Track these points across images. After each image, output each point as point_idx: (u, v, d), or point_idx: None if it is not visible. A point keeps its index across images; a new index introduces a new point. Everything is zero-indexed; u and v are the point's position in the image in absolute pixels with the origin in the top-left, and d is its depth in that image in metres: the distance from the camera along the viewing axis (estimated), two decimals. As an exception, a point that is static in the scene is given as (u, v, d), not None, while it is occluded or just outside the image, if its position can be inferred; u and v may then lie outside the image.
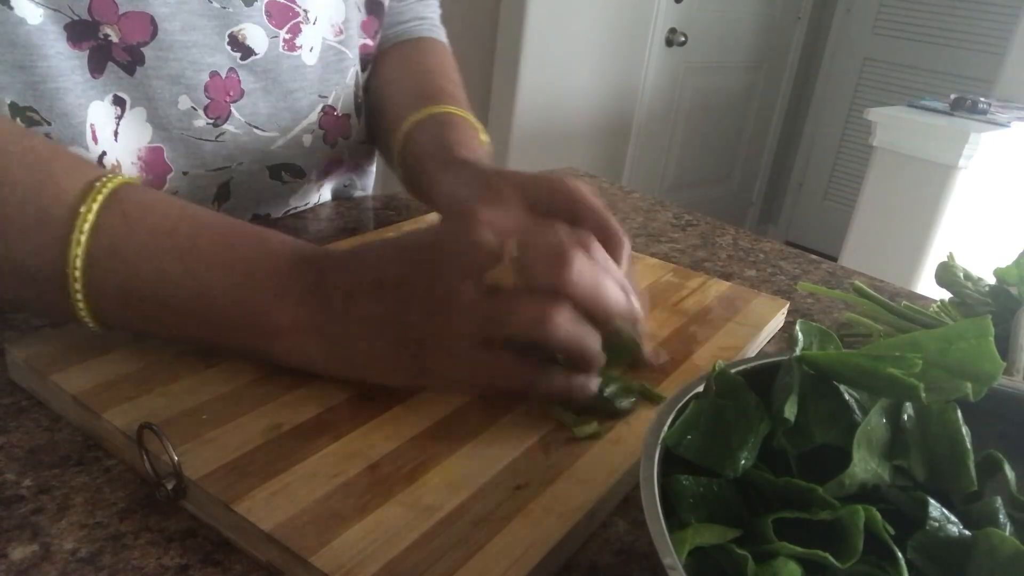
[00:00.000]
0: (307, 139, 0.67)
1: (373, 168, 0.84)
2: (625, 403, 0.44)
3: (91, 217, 0.39)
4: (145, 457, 0.36)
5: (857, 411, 0.33)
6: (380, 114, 0.73)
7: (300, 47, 0.62)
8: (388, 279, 0.40)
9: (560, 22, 2.36)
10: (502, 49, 2.35)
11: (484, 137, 0.65)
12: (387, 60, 0.75)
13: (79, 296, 0.39)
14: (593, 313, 0.39)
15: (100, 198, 0.39)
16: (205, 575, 0.33)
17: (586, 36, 2.46)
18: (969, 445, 0.32)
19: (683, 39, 2.80)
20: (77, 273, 0.39)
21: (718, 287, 0.63)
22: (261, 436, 0.39)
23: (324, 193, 0.78)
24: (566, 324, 0.38)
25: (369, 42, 0.72)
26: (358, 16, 0.69)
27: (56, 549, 0.33)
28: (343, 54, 0.67)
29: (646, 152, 2.93)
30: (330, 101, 0.67)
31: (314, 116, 0.66)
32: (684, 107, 3.02)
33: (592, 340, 0.40)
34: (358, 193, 0.84)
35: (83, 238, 0.39)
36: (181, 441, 0.37)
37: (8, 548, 0.33)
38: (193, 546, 0.34)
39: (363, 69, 0.73)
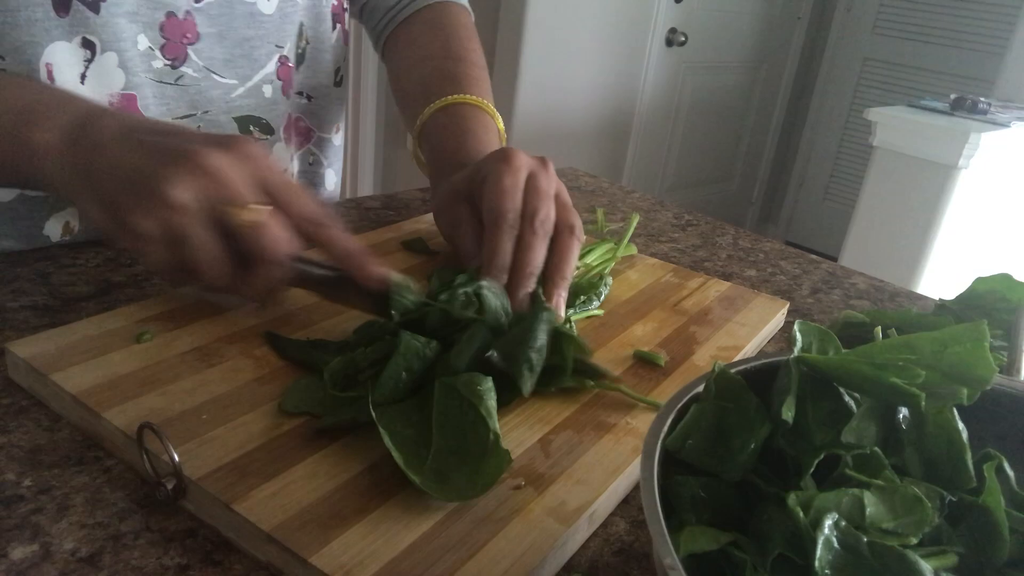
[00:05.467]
0: (267, 89, 0.69)
1: (336, 140, 0.85)
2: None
3: None
4: (145, 457, 0.36)
5: (856, 412, 0.33)
6: (398, 98, 0.76)
7: None
8: (147, 139, 0.43)
9: (560, 22, 2.35)
10: (502, 49, 2.35)
11: (489, 111, 0.68)
12: (405, 33, 0.77)
13: None
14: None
15: None
16: (205, 575, 0.33)
17: (586, 36, 2.46)
18: (966, 442, 0.32)
19: (683, 39, 2.80)
20: None
21: (718, 287, 0.63)
22: (261, 436, 0.39)
23: (294, 164, 0.79)
24: (274, 234, 0.44)
25: (335, 1, 0.74)
26: None
27: (56, 549, 0.33)
28: (296, 4, 0.69)
29: (646, 152, 2.93)
30: (285, 51, 0.69)
31: (272, 66, 0.68)
32: (684, 107, 3.02)
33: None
34: (328, 173, 0.84)
35: None
36: (181, 441, 0.37)
37: (8, 548, 0.33)
38: (193, 546, 0.34)
39: (332, 27, 0.75)
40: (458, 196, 0.57)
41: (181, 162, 0.42)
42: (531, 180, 0.53)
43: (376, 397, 0.39)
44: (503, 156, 0.53)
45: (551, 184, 0.54)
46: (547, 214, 0.52)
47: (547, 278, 0.52)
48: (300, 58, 0.73)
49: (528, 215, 0.51)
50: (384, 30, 0.80)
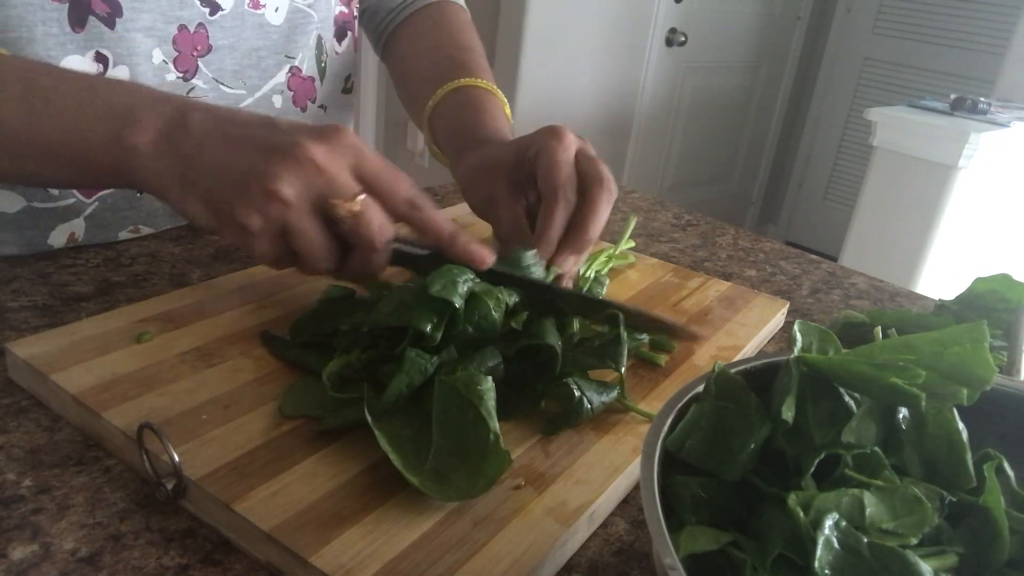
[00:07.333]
0: (277, 100, 0.69)
1: None
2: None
3: None
4: (145, 457, 0.36)
5: (856, 412, 0.33)
6: (405, 84, 0.78)
7: (264, 5, 0.65)
8: (243, 134, 0.45)
9: (560, 22, 2.35)
10: (502, 49, 2.35)
11: (499, 96, 0.70)
12: (409, 29, 0.79)
13: None
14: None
15: None
16: (205, 575, 0.33)
17: (586, 36, 2.46)
18: (966, 442, 0.32)
19: (683, 39, 2.80)
20: None
21: (718, 287, 0.63)
22: (261, 436, 0.39)
23: None
24: (369, 216, 0.45)
25: (344, 9, 0.75)
26: None
27: (56, 549, 0.33)
28: (309, 16, 0.70)
29: (646, 152, 2.93)
30: (296, 62, 0.70)
31: (282, 76, 0.69)
32: (684, 107, 3.02)
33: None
34: None
35: None
36: (181, 441, 0.37)
37: (8, 548, 0.33)
38: (193, 546, 0.34)
39: (340, 37, 0.75)
40: (496, 171, 0.58)
41: (285, 157, 0.43)
42: (579, 154, 0.56)
43: (377, 411, 0.39)
44: (555, 132, 0.55)
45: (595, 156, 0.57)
46: (610, 178, 0.55)
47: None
48: (323, 72, 0.74)
49: (593, 180, 0.54)
50: (386, 29, 0.81)
